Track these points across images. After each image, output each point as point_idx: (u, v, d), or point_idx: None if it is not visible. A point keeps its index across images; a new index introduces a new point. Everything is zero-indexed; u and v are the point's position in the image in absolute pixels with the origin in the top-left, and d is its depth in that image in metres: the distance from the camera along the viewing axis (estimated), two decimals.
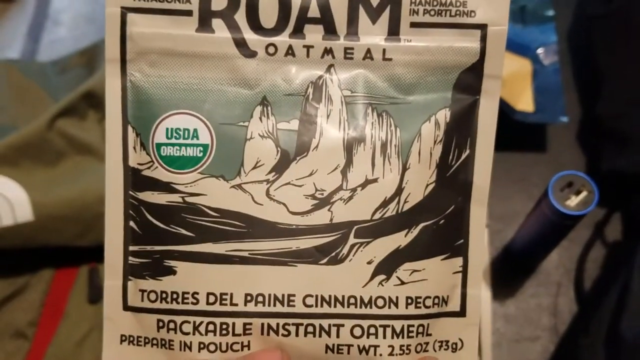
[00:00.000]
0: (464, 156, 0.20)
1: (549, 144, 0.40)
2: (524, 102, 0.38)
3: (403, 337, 0.19)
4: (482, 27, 0.19)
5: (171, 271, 0.19)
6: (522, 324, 0.35)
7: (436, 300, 0.20)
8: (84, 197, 0.32)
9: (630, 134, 0.35)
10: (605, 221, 0.36)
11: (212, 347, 0.19)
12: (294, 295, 0.19)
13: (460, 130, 0.20)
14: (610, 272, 0.34)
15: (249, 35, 0.19)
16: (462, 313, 0.20)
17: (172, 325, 0.19)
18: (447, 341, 0.20)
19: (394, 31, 0.19)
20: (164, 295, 0.19)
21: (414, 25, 0.19)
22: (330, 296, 0.19)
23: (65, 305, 0.33)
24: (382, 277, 0.19)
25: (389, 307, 0.19)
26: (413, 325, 0.19)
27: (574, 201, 0.28)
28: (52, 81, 0.40)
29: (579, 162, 0.39)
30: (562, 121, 0.37)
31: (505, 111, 0.37)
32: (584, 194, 0.28)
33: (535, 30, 0.40)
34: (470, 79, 0.20)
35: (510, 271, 0.36)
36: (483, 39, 0.19)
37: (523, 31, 0.40)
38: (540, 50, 0.40)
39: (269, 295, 0.19)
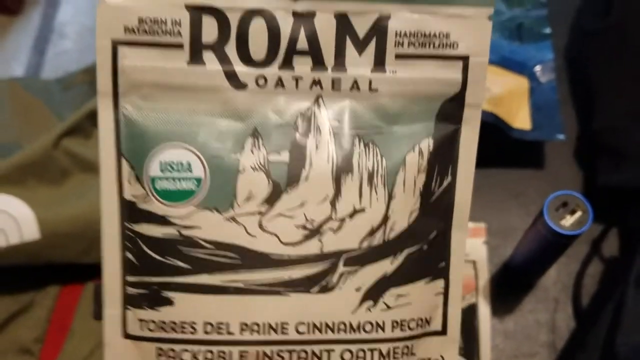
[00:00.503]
0: (445, 183, 0.21)
1: (546, 160, 0.40)
2: (521, 120, 0.38)
3: (389, 359, 0.20)
4: (464, 59, 0.20)
5: (169, 302, 0.20)
6: (521, 340, 0.35)
7: (420, 322, 0.21)
8: (89, 215, 0.32)
9: (625, 149, 0.36)
10: (602, 237, 0.37)
11: None
12: (287, 324, 0.20)
13: (442, 158, 0.21)
14: (606, 288, 0.35)
15: (240, 68, 0.19)
16: (443, 331, 0.21)
17: (171, 354, 0.19)
18: (429, 359, 0.21)
19: (379, 62, 0.20)
20: (162, 325, 0.20)
21: (399, 56, 0.20)
22: (321, 323, 0.20)
23: (71, 322, 0.33)
24: (370, 303, 0.20)
25: (377, 332, 0.20)
26: (398, 347, 0.20)
27: (569, 221, 0.29)
28: (56, 98, 0.39)
29: (576, 178, 0.40)
30: (559, 139, 0.38)
31: (502, 129, 0.37)
32: (578, 213, 0.29)
33: (532, 48, 0.40)
34: (452, 109, 0.20)
35: (509, 288, 0.36)
36: (465, 70, 0.20)
37: (520, 49, 0.40)
38: (537, 68, 0.40)
39: (263, 324, 0.20)
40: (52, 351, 0.33)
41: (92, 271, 0.33)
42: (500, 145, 0.38)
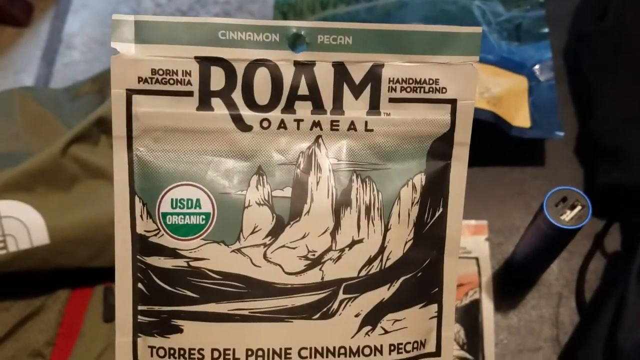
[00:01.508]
0: (437, 214, 0.22)
1: (547, 158, 0.41)
2: (521, 119, 0.39)
3: None
4: (452, 102, 0.21)
5: (178, 330, 0.21)
6: (525, 335, 0.35)
7: (415, 345, 0.22)
8: (97, 220, 0.33)
9: (623, 149, 0.36)
10: (604, 233, 0.37)
11: None
12: (290, 349, 0.21)
13: (434, 192, 0.22)
14: (608, 283, 0.35)
15: (245, 112, 0.21)
16: (437, 353, 0.22)
17: None
18: None
19: (374, 106, 0.21)
20: (172, 352, 0.21)
21: (392, 100, 0.21)
22: (322, 348, 0.21)
23: (81, 325, 0.34)
24: (369, 328, 0.21)
25: (375, 355, 0.21)
26: None
27: (568, 215, 0.29)
28: (64, 108, 0.40)
29: (576, 175, 0.40)
30: (558, 136, 0.38)
31: (502, 128, 0.38)
32: (578, 208, 0.29)
33: (531, 48, 0.41)
34: (442, 147, 0.22)
35: (512, 284, 0.37)
36: (453, 112, 0.22)
37: (519, 49, 0.41)
38: (536, 67, 0.40)
39: (268, 349, 0.21)
40: (63, 354, 0.33)
41: (101, 275, 0.35)
42: (502, 145, 0.39)
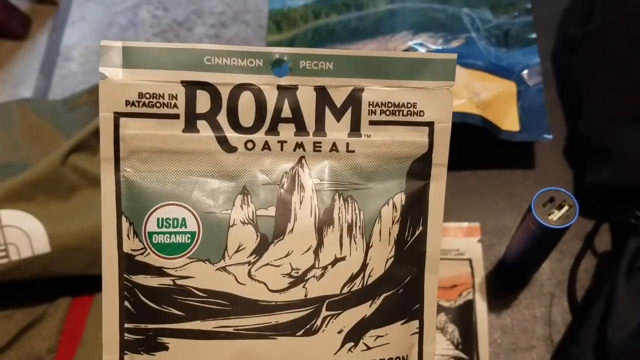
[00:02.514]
0: (417, 232, 0.23)
1: (536, 160, 0.41)
2: (510, 122, 0.39)
3: None
4: (430, 124, 0.22)
5: (164, 347, 0.21)
6: (518, 334, 0.36)
7: None
8: (96, 228, 0.32)
9: (610, 149, 0.37)
10: (594, 232, 0.37)
11: None
12: None
13: (414, 211, 0.23)
14: (599, 281, 0.36)
15: (230, 134, 0.21)
16: None
17: None
18: None
19: (355, 128, 0.22)
20: None
21: (372, 123, 0.22)
22: None
23: (82, 332, 0.34)
24: (351, 344, 0.21)
25: None
26: None
27: (556, 215, 0.29)
28: (62, 119, 0.41)
29: (565, 177, 0.41)
30: (547, 139, 0.39)
31: (491, 132, 0.38)
32: (565, 208, 0.29)
33: (519, 53, 0.42)
34: (421, 167, 0.22)
35: (505, 284, 0.37)
36: (431, 134, 0.22)
37: (507, 55, 0.42)
38: (524, 72, 0.41)
39: None
40: None
41: (101, 283, 0.34)
42: (492, 148, 0.40)
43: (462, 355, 0.34)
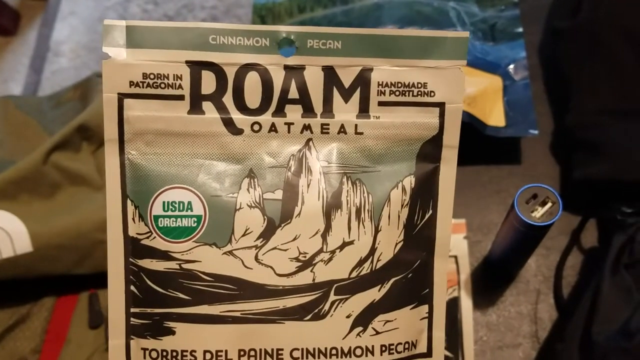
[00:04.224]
0: (427, 216, 0.22)
1: (523, 156, 0.40)
2: (496, 118, 0.38)
3: None
4: (441, 105, 0.21)
5: (170, 332, 0.20)
6: (504, 331, 0.35)
7: (406, 345, 0.22)
8: (80, 226, 0.32)
9: (598, 144, 0.36)
10: (581, 228, 0.37)
11: None
12: (282, 350, 0.20)
13: (423, 194, 0.22)
14: (585, 278, 0.35)
15: (236, 115, 0.20)
16: (429, 354, 0.22)
17: None
18: None
19: (364, 109, 0.21)
20: (164, 354, 0.20)
21: (381, 104, 0.21)
22: (314, 349, 0.20)
23: (67, 332, 0.34)
24: (360, 329, 0.21)
25: (366, 356, 0.21)
26: None
27: (539, 212, 0.29)
28: (47, 115, 0.40)
29: (552, 172, 0.40)
30: (532, 134, 0.38)
31: (477, 127, 0.37)
32: (548, 204, 0.29)
33: (505, 48, 0.41)
34: (431, 149, 0.22)
35: (491, 280, 0.36)
36: (441, 115, 0.21)
37: (493, 49, 0.41)
38: (510, 67, 0.40)
39: (260, 349, 0.20)
40: None
41: (86, 282, 0.34)
42: (479, 144, 0.38)
43: (447, 353, 0.34)
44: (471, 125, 0.38)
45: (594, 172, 0.36)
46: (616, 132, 0.36)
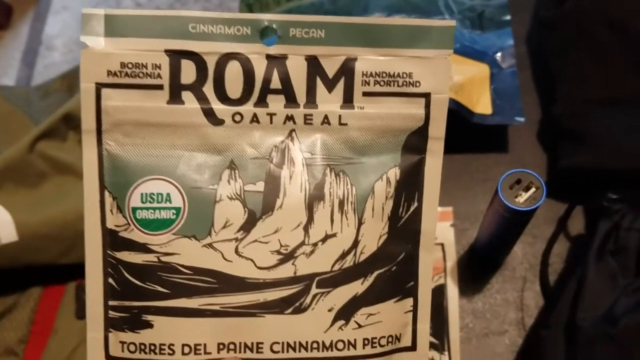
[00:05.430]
0: (412, 208, 0.22)
1: (510, 144, 0.40)
2: (482, 106, 0.38)
3: None
4: (426, 96, 0.21)
5: (149, 325, 0.20)
6: (490, 318, 0.35)
7: (390, 339, 0.21)
8: (66, 216, 0.32)
9: (584, 133, 0.36)
10: (567, 216, 0.36)
11: None
12: (262, 343, 0.20)
13: (409, 186, 0.21)
14: (570, 265, 0.35)
15: (217, 105, 0.20)
16: (413, 347, 0.22)
17: None
18: None
19: (348, 99, 0.20)
20: (142, 347, 0.20)
21: (366, 94, 0.20)
22: (295, 342, 0.20)
23: (54, 322, 0.33)
24: (342, 322, 0.20)
25: (349, 349, 0.20)
26: None
27: (523, 197, 0.28)
28: (35, 106, 0.39)
29: (539, 160, 0.39)
30: (519, 122, 0.37)
31: (464, 115, 0.37)
32: (532, 190, 0.28)
33: (493, 36, 0.40)
34: (417, 141, 0.21)
35: (477, 268, 0.36)
36: (427, 106, 0.21)
37: (481, 37, 0.40)
38: (498, 55, 0.40)
39: (240, 343, 0.20)
40: (36, 351, 0.32)
41: (73, 272, 0.33)
42: (466, 132, 0.38)
43: (432, 340, 0.34)
44: (458, 113, 0.37)
45: (580, 161, 0.36)
46: (602, 121, 0.36)
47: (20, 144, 0.33)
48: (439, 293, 0.35)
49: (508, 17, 0.41)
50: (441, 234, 0.37)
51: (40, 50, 0.48)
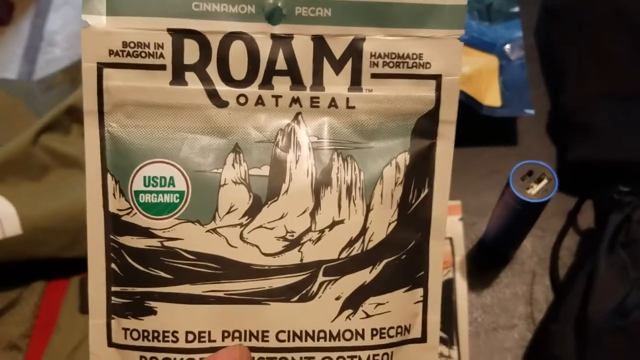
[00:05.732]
0: (422, 195, 0.21)
1: (519, 137, 0.40)
2: (491, 98, 0.38)
3: None
4: (437, 78, 0.20)
5: (152, 311, 0.19)
6: (499, 313, 0.34)
7: (399, 330, 0.20)
8: (70, 209, 0.32)
9: (592, 125, 0.35)
10: (577, 210, 0.36)
11: None
12: (267, 332, 0.19)
13: (419, 172, 0.21)
14: (580, 258, 0.34)
15: (221, 87, 0.19)
16: (423, 339, 0.21)
17: None
18: None
19: (356, 81, 0.20)
20: (145, 334, 0.19)
21: (374, 76, 0.20)
22: (301, 331, 0.19)
23: (57, 316, 0.33)
24: (350, 311, 0.20)
25: (356, 339, 0.20)
26: (378, 354, 0.20)
27: (535, 189, 0.28)
28: (38, 99, 0.39)
29: (549, 153, 0.39)
30: (528, 114, 0.37)
31: (473, 107, 0.36)
32: (544, 181, 0.28)
33: (501, 28, 0.40)
34: (427, 125, 0.20)
35: (486, 262, 0.35)
36: (438, 88, 0.20)
37: (489, 29, 0.40)
38: (506, 47, 0.39)
39: (245, 331, 0.19)
40: (39, 346, 0.32)
41: (77, 266, 0.33)
42: (474, 124, 0.37)
43: (441, 334, 0.33)
44: (467, 105, 0.36)
45: (587, 154, 0.35)
46: (609, 114, 0.35)
47: (24, 137, 0.33)
48: (447, 287, 0.34)
49: (517, 9, 0.40)
50: (449, 228, 0.36)
51: (41, 46, 0.48)
